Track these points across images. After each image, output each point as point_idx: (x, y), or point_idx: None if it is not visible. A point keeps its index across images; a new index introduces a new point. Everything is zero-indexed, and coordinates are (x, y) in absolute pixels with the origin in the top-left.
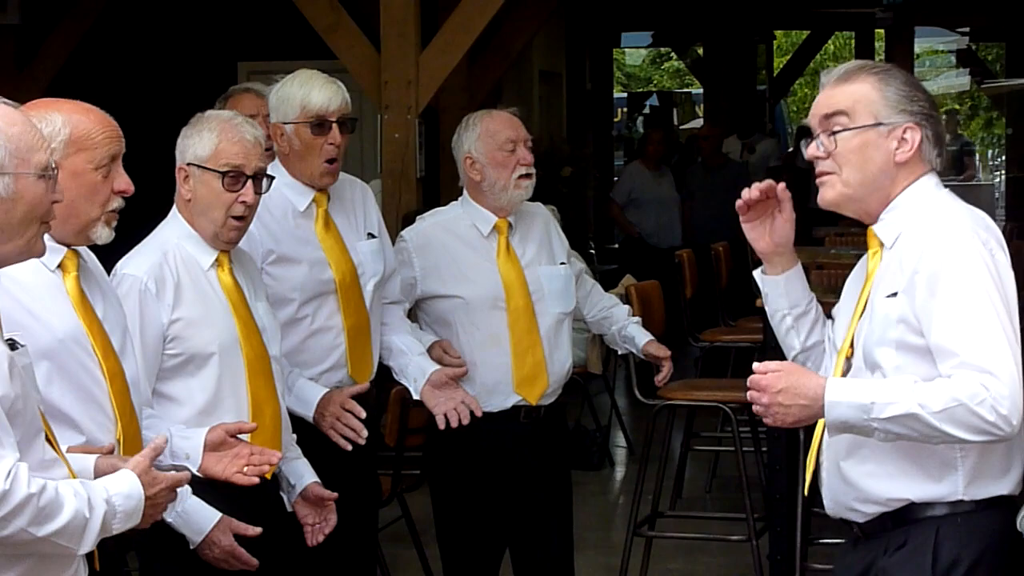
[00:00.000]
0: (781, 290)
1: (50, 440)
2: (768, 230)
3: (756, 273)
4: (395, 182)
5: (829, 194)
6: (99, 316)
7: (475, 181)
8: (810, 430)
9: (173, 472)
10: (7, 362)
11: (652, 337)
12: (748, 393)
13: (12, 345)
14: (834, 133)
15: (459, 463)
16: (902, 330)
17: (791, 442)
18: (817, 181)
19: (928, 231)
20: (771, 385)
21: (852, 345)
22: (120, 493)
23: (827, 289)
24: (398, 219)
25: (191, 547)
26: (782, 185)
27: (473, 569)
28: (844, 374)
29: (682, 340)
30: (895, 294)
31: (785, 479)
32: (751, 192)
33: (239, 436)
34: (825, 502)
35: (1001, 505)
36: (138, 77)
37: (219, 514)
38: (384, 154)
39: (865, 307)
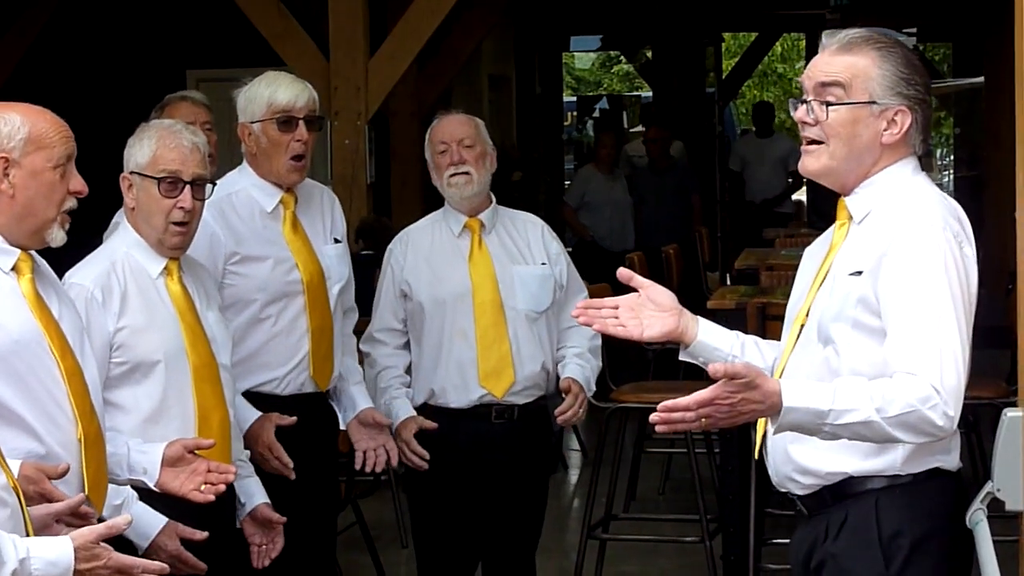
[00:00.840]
0: (707, 349)
1: None
2: (650, 312)
3: (683, 356)
4: (345, 189)
5: (813, 165)
6: (55, 317)
7: (436, 184)
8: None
9: (120, 555)
10: None
11: (576, 376)
12: (702, 413)
13: None
14: (828, 104)
15: (435, 465)
16: (860, 310)
17: (743, 444)
18: (803, 148)
19: (900, 215)
20: (732, 390)
21: (808, 314)
22: (44, 558)
23: (777, 289)
24: (348, 225)
25: (138, 553)
26: (621, 270)
27: (446, 569)
28: (795, 342)
29: (634, 343)
30: (859, 272)
31: (738, 480)
32: (582, 307)
33: (196, 452)
34: (769, 472)
35: (941, 477)
36: (86, 85)
37: (165, 519)
38: (334, 161)
39: (825, 278)
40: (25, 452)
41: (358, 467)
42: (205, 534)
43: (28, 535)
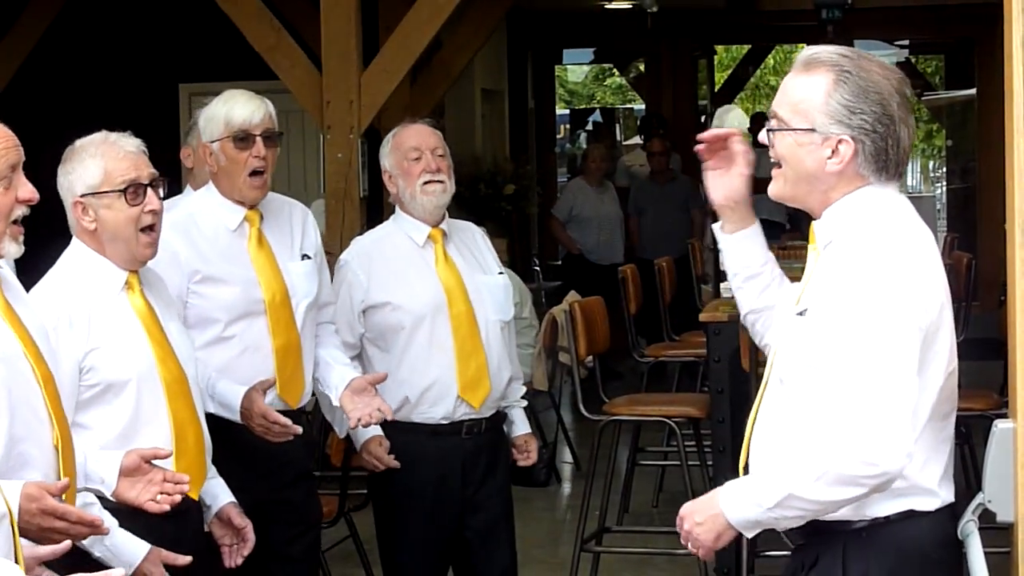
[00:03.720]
0: (732, 249)
1: None
2: (722, 183)
3: (715, 227)
4: (338, 202)
5: (773, 188)
6: (25, 324)
7: (396, 195)
8: None
9: None
10: None
11: (527, 430)
12: (688, 539)
13: None
14: (771, 130)
15: (402, 481)
16: (804, 349)
17: (735, 456)
18: (773, 170)
19: (849, 255)
20: (685, 514)
21: (774, 358)
22: None
23: None
24: (342, 239)
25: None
26: (737, 137)
27: None
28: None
29: (627, 355)
30: (803, 312)
31: None
32: (705, 135)
33: (154, 462)
34: None
35: (916, 518)
36: (80, 99)
37: (148, 546)
38: (327, 174)
39: (787, 313)
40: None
41: (352, 425)
42: (188, 559)
43: (18, 561)
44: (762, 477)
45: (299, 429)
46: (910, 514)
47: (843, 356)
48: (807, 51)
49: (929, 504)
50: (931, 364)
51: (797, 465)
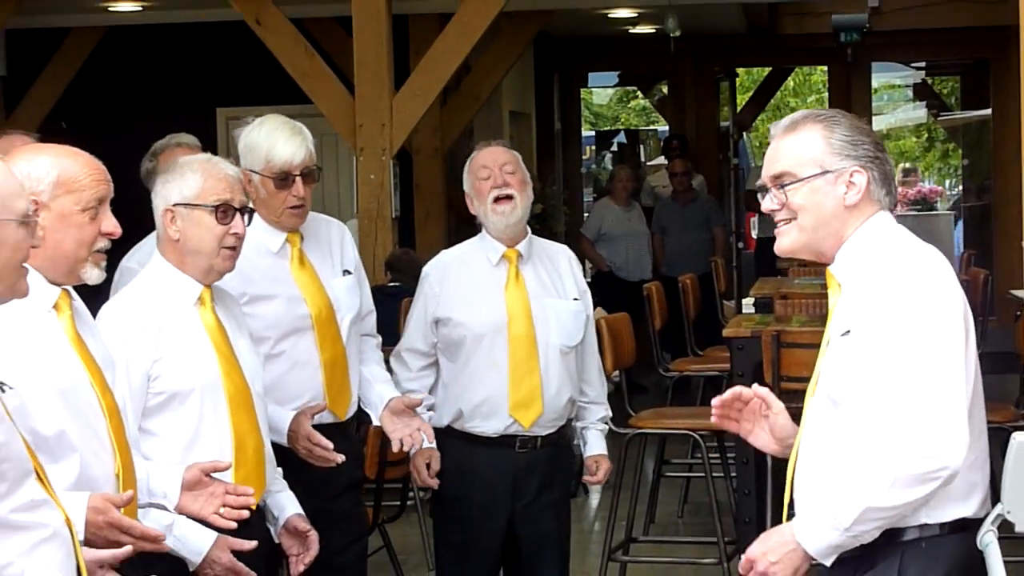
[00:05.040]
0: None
1: (41, 479)
2: (767, 429)
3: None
4: (371, 222)
5: (785, 242)
6: (93, 354)
7: (474, 216)
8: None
9: None
10: None
11: (605, 452)
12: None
13: (0, 388)
14: (783, 186)
15: (459, 491)
16: (853, 365)
17: (759, 468)
18: (776, 232)
19: (881, 272)
20: (756, 557)
21: (816, 384)
22: None
23: (792, 317)
24: (375, 257)
25: (191, 569)
26: (755, 387)
27: None
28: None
29: (652, 370)
30: (848, 332)
31: (754, 503)
32: (715, 407)
33: (214, 474)
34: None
35: (965, 528)
36: (121, 123)
37: (215, 534)
38: (360, 195)
39: (828, 346)
40: (75, 480)
41: (396, 449)
42: (254, 543)
43: (81, 572)
44: (832, 501)
45: (341, 458)
46: (962, 524)
47: (896, 366)
48: (784, 119)
49: (972, 511)
50: (971, 367)
51: (867, 478)
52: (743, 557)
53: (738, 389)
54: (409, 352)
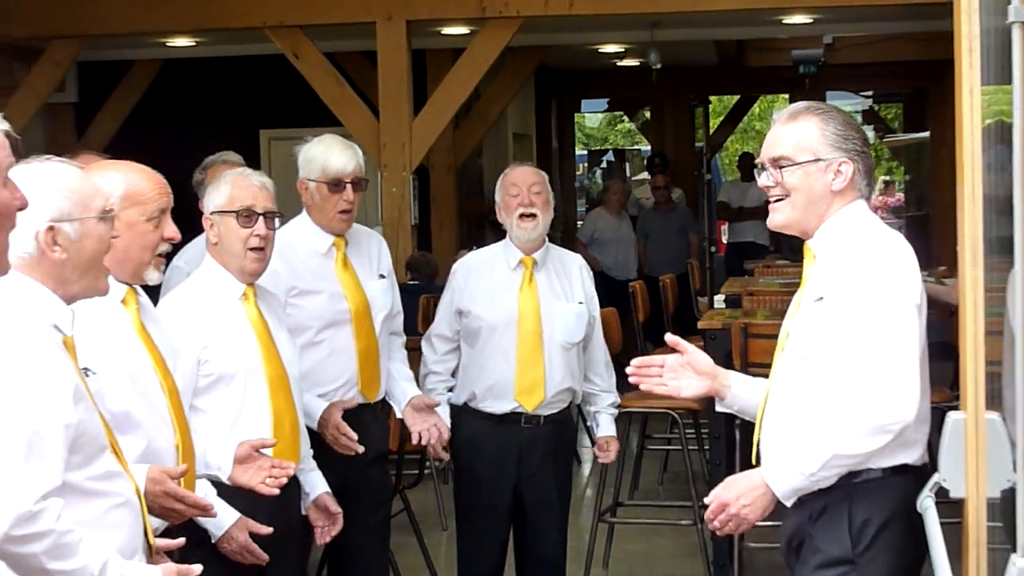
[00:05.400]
0: (740, 398)
1: (116, 453)
2: (691, 373)
3: (719, 407)
4: (393, 229)
5: (778, 218)
6: (155, 342)
7: (501, 224)
8: (745, 431)
9: None
10: (73, 392)
11: (614, 434)
12: (717, 519)
13: (86, 373)
14: (781, 167)
15: (473, 457)
16: (822, 329)
17: (729, 443)
18: (770, 206)
19: (855, 250)
20: (727, 499)
21: (786, 342)
22: None
23: (757, 311)
24: (396, 260)
25: (212, 540)
26: (667, 336)
27: (482, 555)
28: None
29: (636, 357)
30: (822, 298)
31: (724, 472)
32: (631, 368)
33: (262, 450)
34: None
35: (906, 472)
36: (176, 144)
37: (238, 514)
38: (384, 205)
39: (799, 309)
40: (142, 453)
41: (414, 442)
42: (270, 529)
43: (147, 537)
44: (799, 450)
45: (361, 449)
46: (903, 469)
47: (862, 329)
48: (786, 108)
49: (915, 458)
50: (921, 338)
51: (833, 429)
52: (711, 500)
53: (647, 358)
54: (437, 337)
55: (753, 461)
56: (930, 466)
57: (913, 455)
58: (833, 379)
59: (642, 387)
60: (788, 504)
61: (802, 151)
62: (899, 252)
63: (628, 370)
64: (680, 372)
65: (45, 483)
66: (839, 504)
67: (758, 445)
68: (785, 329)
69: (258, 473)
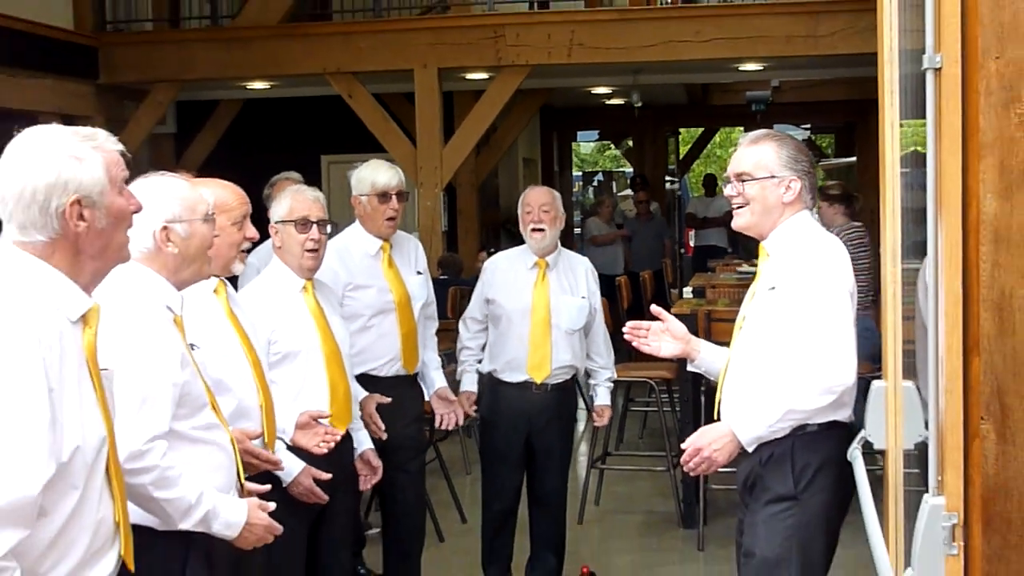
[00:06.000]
0: (707, 362)
1: (215, 409)
2: (669, 337)
3: (690, 367)
4: (427, 235)
5: (740, 221)
6: (242, 324)
7: (519, 232)
8: (709, 396)
9: (274, 523)
10: (180, 359)
11: (608, 403)
12: (692, 461)
13: (192, 348)
14: (743, 181)
15: (495, 416)
16: (775, 312)
17: (695, 406)
18: (734, 212)
19: (801, 249)
20: (700, 444)
21: (744, 321)
22: (228, 512)
23: (718, 300)
24: (430, 259)
25: (283, 484)
26: (653, 307)
27: (502, 495)
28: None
29: (621, 337)
30: (774, 288)
31: (692, 429)
32: (631, 328)
33: (320, 420)
34: None
35: (838, 427)
36: (254, 166)
37: (303, 464)
38: (420, 216)
39: (754, 296)
40: (233, 410)
41: (438, 425)
42: (329, 475)
43: (240, 481)
44: (761, 407)
45: (385, 436)
46: (835, 423)
47: (813, 313)
48: (750, 134)
49: (844, 416)
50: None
51: (789, 389)
52: (688, 446)
53: (638, 322)
54: (470, 319)
55: (716, 416)
56: (857, 424)
57: (844, 414)
58: (787, 350)
59: (634, 344)
60: (750, 449)
61: (760, 169)
62: (835, 251)
63: (624, 329)
64: (660, 336)
65: (153, 428)
66: (784, 452)
67: (719, 404)
68: (742, 314)
69: (313, 438)
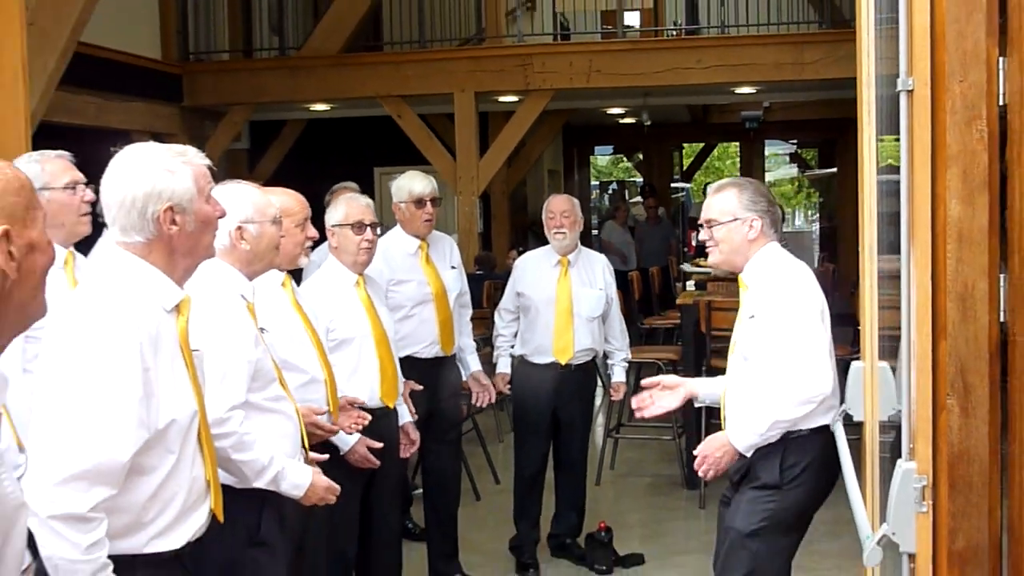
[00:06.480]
0: (708, 395)
1: (282, 384)
2: (666, 394)
3: (697, 404)
4: (466, 236)
5: (712, 259)
6: (305, 311)
7: (544, 234)
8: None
9: (334, 484)
10: (253, 339)
11: (623, 380)
12: (702, 469)
13: (262, 331)
14: (711, 227)
15: (525, 393)
16: (755, 337)
17: None
18: (708, 251)
19: (771, 280)
20: (708, 452)
21: (735, 347)
22: (295, 475)
23: (716, 293)
24: (468, 257)
25: (340, 453)
26: (644, 381)
27: (530, 459)
28: (729, 365)
29: (632, 324)
30: (753, 316)
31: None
32: (640, 401)
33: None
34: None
35: (824, 431)
36: (316, 177)
37: (359, 435)
38: (459, 219)
39: (741, 322)
40: (304, 383)
41: (474, 403)
42: (381, 444)
43: (305, 449)
44: (754, 418)
45: (415, 416)
46: (823, 429)
47: (786, 336)
48: (715, 183)
49: (830, 419)
50: (825, 331)
51: (773, 403)
52: (698, 454)
53: (641, 396)
54: (504, 310)
55: (722, 426)
56: (839, 402)
57: (829, 418)
58: (769, 370)
59: (644, 414)
60: (748, 455)
61: (724, 214)
62: (803, 278)
63: (635, 406)
64: (658, 395)
65: (232, 399)
66: (776, 449)
67: (725, 419)
68: (734, 339)
69: (347, 419)
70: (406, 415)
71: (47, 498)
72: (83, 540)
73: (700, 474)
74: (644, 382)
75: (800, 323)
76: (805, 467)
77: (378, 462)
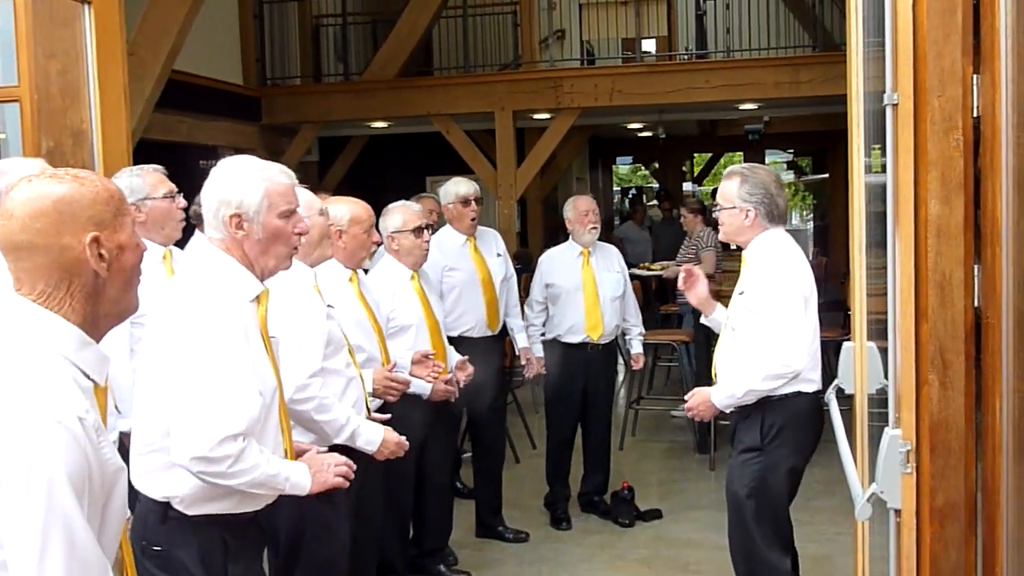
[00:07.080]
0: (714, 323)
1: (350, 352)
2: (694, 293)
3: (703, 320)
4: (505, 235)
5: (721, 235)
6: (368, 302)
7: (570, 230)
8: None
9: (403, 440)
10: (325, 315)
11: (641, 352)
12: (691, 413)
13: (329, 307)
14: (719, 209)
15: (558, 371)
16: (744, 310)
17: (708, 362)
18: (719, 227)
19: (763, 261)
20: (694, 405)
21: (727, 319)
22: (369, 432)
23: (724, 283)
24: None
25: (424, 397)
26: (686, 266)
27: (562, 428)
28: (722, 333)
29: (650, 309)
30: (743, 292)
31: (706, 381)
32: (682, 273)
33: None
34: None
35: (801, 396)
36: (376, 185)
37: (381, 431)
38: (500, 220)
39: (733, 296)
40: (363, 361)
41: (524, 374)
42: (403, 439)
43: (368, 412)
44: (732, 383)
45: (456, 395)
46: (799, 393)
47: (767, 312)
48: (729, 168)
49: (809, 388)
50: (810, 314)
51: (750, 374)
52: (688, 399)
53: (689, 267)
54: (534, 300)
55: (713, 379)
56: (825, 385)
57: (806, 387)
58: (749, 342)
59: (684, 287)
60: (726, 411)
61: (726, 200)
62: (794, 265)
63: (681, 271)
64: (698, 282)
65: (311, 366)
66: (756, 413)
67: (715, 375)
68: (727, 311)
69: (424, 370)
70: (423, 387)
71: (205, 460)
72: (249, 460)
73: (690, 416)
74: (684, 267)
75: (780, 305)
76: (782, 427)
77: (407, 444)
